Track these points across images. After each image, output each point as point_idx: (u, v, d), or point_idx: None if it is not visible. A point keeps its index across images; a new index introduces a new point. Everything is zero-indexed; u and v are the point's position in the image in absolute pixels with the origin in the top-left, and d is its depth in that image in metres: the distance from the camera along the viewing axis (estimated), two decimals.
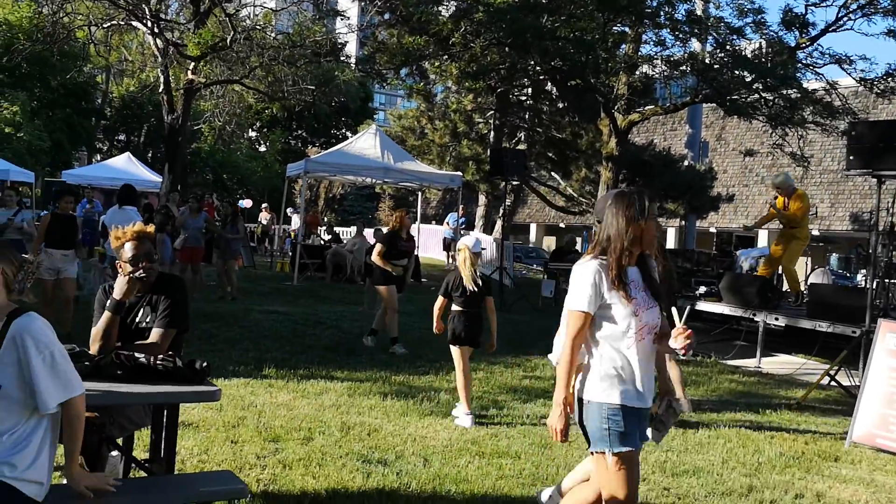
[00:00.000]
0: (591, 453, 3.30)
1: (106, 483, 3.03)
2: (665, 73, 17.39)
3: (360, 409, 6.46)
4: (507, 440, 5.78)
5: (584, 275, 3.23)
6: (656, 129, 32.34)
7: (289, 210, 25.43)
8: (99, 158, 39.91)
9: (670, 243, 29.95)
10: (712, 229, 28.88)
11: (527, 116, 24.80)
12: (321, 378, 7.50)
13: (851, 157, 8.46)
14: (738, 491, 4.98)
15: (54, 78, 35.26)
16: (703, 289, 11.74)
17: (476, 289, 6.36)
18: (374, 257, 9.22)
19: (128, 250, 3.81)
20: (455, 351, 6.43)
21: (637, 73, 17.92)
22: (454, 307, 6.44)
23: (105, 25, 26.01)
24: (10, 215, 9.90)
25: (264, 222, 25.67)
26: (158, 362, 3.41)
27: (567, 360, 3.23)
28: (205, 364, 3.50)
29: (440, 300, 6.52)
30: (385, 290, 9.21)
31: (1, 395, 2.80)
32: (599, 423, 3.19)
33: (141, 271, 3.78)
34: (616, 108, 17.25)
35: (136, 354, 3.42)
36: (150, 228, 3.96)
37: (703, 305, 11.32)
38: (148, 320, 3.88)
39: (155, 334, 3.83)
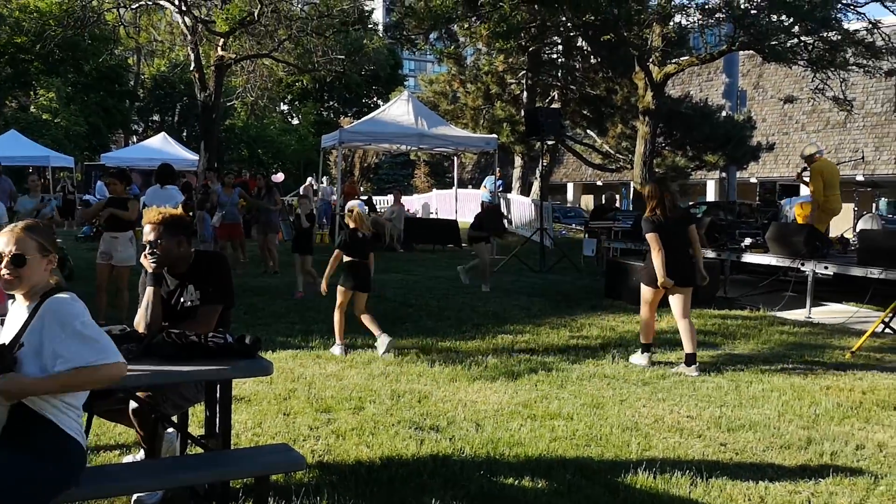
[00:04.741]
0: None
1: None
2: (700, 22, 16.96)
3: (408, 376, 6.47)
4: (557, 402, 5.74)
5: None
6: (692, 80, 31.69)
7: (309, 180, 24.90)
8: (135, 140, 40.36)
9: (710, 196, 29.49)
10: (753, 179, 28.32)
11: (559, 74, 24.43)
12: (368, 347, 7.53)
13: None
14: (796, 444, 4.90)
15: (87, 62, 35.65)
16: (748, 240, 11.51)
17: None
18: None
19: (146, 233, 3.86)
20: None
21: (671, 23, 17.48)
22: None
23: (133, 6, 26.10)
24: (35, 203, 9.75)
25: (329, 196, 23.64)
26: (209, 339, 3.42)
27: None
28: (255, 339, 3.50)
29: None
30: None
31: (24, 365, 2.76)
32: None
33: (151, 256, 3.81)
34: (651, 60, 16.89)
35: (187, 332, 3.43)
36: (178, 211, 3.98)
37: (749, 257, 11.12)
38: (192, 299, 3.91)
39: (202, 313, 3.85)
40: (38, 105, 33.63)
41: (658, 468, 4.35)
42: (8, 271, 2.82)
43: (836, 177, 11.63)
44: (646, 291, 7.10)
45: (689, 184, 23.57)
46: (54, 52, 32.82)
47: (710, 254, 11.36)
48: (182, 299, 3.91)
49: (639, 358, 7.16)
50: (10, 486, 2.66)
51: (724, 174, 22.36)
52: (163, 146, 25.29)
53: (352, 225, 7.47)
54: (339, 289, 7.46)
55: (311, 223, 11.44)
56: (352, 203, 7.90)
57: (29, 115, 33.26)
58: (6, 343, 2.82)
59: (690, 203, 23.25)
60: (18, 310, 2.93)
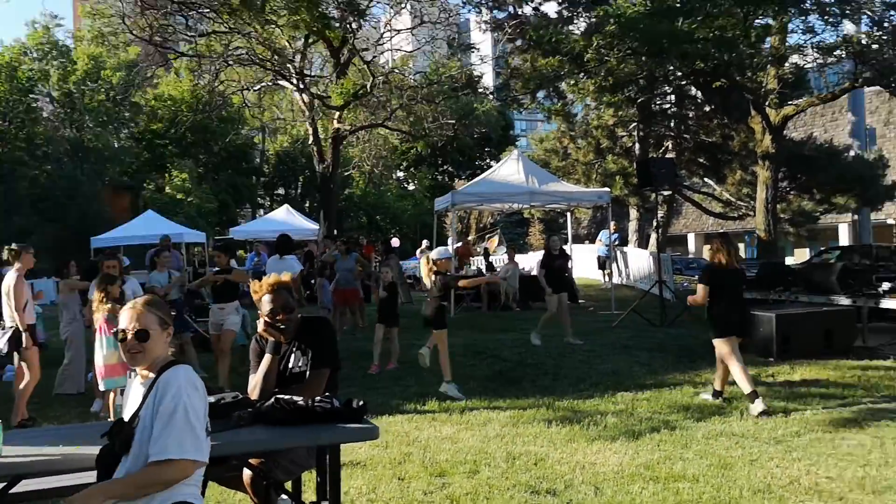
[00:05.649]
0: None
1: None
2: (818, 61, 16.34)
3: (524, 438, 6.32)
4: (682, 462, 5.45)
5: None
6: (815, 121, 30.42)
7: (425, 243, 24.84)
8: (261, 213, 42.32)
9: (843, 239, 27.94)
10: (890, 220, 26.69)
11: (672, 124, 24.00)
12: (484, 409, 7.44)
13: None
14: None
15: (216, 143, 37.97)
16: (886, 285, 10.75)
17: None
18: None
19: (265, 303, 3.92)
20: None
21: (787, 64, 16.92)
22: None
23: (256, 88, 27.73)
24: (164, 278, 9.98)
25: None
26: (316, 404, 3.45)
27: None
28: (361, 403, 3.51)
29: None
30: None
31: (137, 441, 2.82)
32: None
33: (279, 324, 3.88)
34: (767, 103, 16.35)
35: (295, 398, 3.47)
36: (287, 278, 4.04)
37: (888, 303, 10.37)
38: (300, 364, 3.96)
39: (310, 378, 3.89)
40: (172, 186, 35.92)
41: None
42: (132, 346, 2.95)
43: None
44: (718, 343, 7.36)
45: (817, 228, 22.42)
46: (186, 135, 35.22)
47: (845, 301, 10.69)
48: (290, 364, 3.97)
49: (755, 407, 6.89)
50: None
51: (856, 216, 21.19)
52: (286, 218, 26.26)
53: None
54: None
55: (390, 292, 10.40)
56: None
57: (164, 195, 35.55)
58: (127, 419, 2.92)
59: (821, 248, 22.10)
60: (138, 386, 3.03)
